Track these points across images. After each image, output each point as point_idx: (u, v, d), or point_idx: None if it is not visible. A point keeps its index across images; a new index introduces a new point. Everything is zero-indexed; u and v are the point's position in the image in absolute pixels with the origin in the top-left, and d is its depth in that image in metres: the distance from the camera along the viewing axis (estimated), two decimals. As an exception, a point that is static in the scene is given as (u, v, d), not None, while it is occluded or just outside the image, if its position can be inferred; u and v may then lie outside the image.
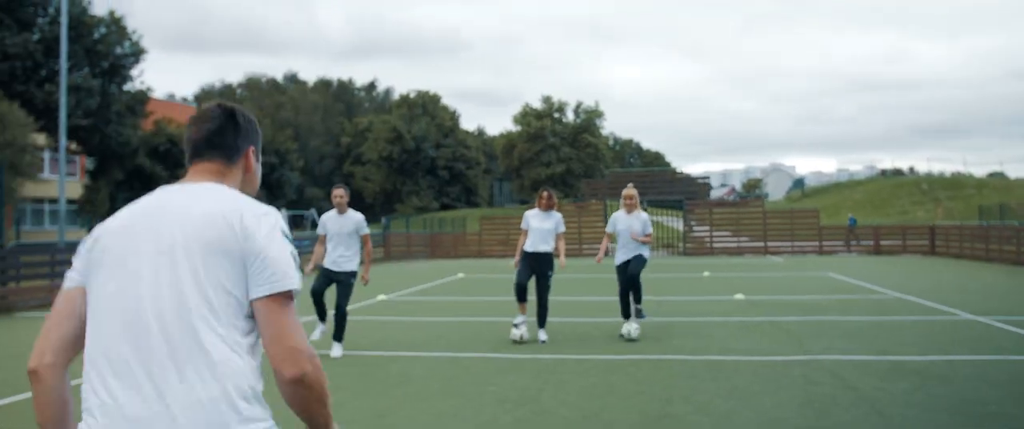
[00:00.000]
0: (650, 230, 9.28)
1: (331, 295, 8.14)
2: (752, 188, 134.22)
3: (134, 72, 36.63)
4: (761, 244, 30.43)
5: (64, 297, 1.77)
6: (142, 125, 39.80)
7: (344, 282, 8.14)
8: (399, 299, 14.38)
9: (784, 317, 10.69)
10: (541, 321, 8.97)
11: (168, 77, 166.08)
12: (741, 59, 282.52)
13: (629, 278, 9.09)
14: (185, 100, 73.77)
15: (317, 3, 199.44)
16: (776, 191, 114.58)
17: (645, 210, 10.43)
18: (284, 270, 1.68)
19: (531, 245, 8.93)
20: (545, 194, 9.10)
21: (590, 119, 71.43)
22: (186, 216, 1.71)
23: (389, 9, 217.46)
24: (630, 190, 9.40)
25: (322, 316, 8.42)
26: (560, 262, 9.13)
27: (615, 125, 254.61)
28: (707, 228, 31.33)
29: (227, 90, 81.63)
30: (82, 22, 33.32)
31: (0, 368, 7.71)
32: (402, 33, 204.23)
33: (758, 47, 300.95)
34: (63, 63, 19.27)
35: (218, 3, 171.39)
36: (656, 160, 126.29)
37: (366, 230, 8.30)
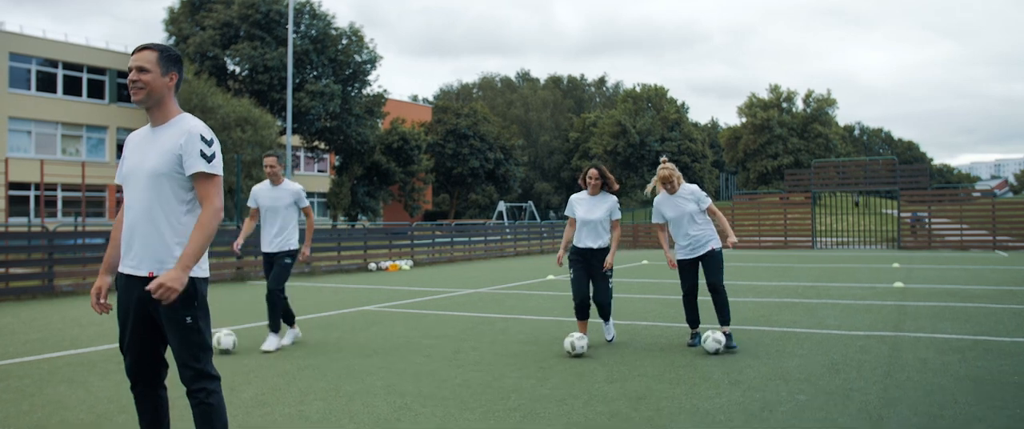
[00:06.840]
0: (706, 203, 7.18)
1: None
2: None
3: (371, 77, 41.03)
4: (990, 238, 28.20)
5: None
6: (381, 125, 44.26)
7: (280, 263, 7.27)
8: (565, 279, 15.64)
9: (918, 302, 10.63)
10: (606, 316, 7.39)
11: (413, 80, 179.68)
12: (1019, 35, 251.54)
13: (710, 290, 7.09)
14: (426, 101, 79.83)
15: (555, 4, 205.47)
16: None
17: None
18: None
19: (579, 240, 7.08)
20: (593, 172, 7.01)
21: (821, 108, 68.20)
22: None
23: (625, 4, 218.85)
24: (664, 167, 7.20)
25: (274, 326, 7.13)
26: (607, 261, 7.04)
27: (862, 114, 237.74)
28: (927, 220, 29.50)
29: (464, 90, 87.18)
30: (327, 35, 38.07)
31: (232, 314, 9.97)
32: (638, 28, 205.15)
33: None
34: (289, 68, 22.51)
35: (463, 10, 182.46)
36: (908, 150, 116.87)
37: (305, 202, 7.44)
